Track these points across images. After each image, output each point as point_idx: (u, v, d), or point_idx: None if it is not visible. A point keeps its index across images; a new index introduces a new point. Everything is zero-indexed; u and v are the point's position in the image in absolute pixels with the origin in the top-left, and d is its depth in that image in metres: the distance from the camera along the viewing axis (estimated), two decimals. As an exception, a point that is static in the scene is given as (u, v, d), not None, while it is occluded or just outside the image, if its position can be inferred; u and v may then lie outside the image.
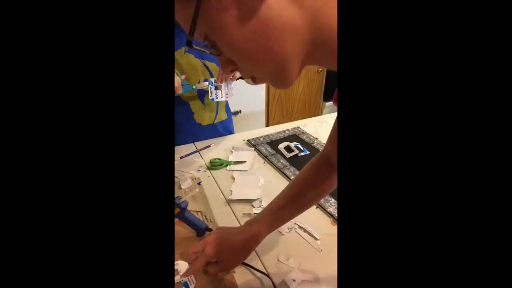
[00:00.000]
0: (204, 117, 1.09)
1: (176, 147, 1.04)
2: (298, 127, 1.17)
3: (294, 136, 1.10)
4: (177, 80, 0.93)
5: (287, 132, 1.14)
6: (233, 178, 0.88)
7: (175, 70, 0.96)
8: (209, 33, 0.31)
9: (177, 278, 0.57)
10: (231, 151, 1.02)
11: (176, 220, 0.66)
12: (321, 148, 1.02)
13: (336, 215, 0.73)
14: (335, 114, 1.34)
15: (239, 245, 0.55)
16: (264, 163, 0.96)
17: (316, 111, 2.48)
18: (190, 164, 0.95)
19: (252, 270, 0.60)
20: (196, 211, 0.75)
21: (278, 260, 0.62)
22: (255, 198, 0.79)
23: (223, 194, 0.82)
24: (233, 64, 0.34)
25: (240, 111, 1.93)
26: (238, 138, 1.12)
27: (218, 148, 1.05)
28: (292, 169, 0.91)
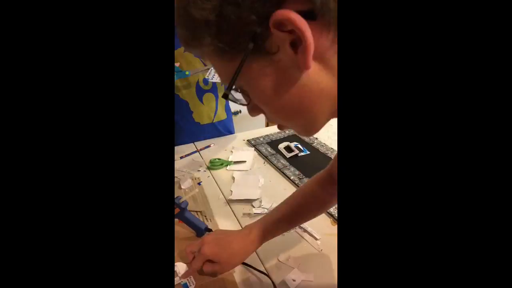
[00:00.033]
0: (203, 116, 1.09)
1: (176, 147, 1.04)
2: (298, 127, 1.17)
3: (294, 136, 1.10)
4: None
5: (287, 132, 1.14)
6: (233, 178, 0.88)
7: None
8: (244, 86, 0.32)
9: (176, 280, 0.57)
10: (231, 151, 1.02)
11: (176, 220, 0.66)
12: (321, 148, 1.02)
13: (336, 215, 0.73)
14: (335, 114, 1.33)
15: (238, 247, 0.55)
16: (264, 163, 0.96)
17: (316, 111, 2.47)
18: (190, 164, 0.95)
19: (252, 270, 0.60)
20: (196, 211, 0.75)
21: (278, 260, 0.62)
22: (255, 198, 0.79)
23: (223, 194, 0.82)
24: (262, 111, 0.35)
25: (240, 111, 1.93)
26: (238, 138, 1.12)
27: (218, 148, 1.05)
28: (292, 169, 0.91)
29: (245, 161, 0.95)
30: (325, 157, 0.97)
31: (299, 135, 0.41)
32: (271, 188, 0.83)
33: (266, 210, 0.75)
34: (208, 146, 1.05)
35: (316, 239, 0.67)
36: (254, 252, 0.63)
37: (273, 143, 1.06)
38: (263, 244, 0.65)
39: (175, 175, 0.88)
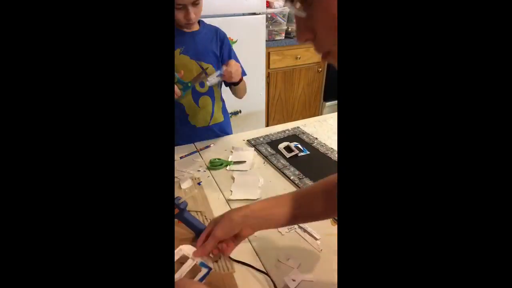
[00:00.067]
0: (198, 119, 1.09)
1: (176, 147, 1.04)
2: (298, 127, 1.17)
3: (294, 136, 1.10)
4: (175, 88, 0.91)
5: (287, 132, 1.14)
6: (233, 178, 0.88)
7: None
8: None
9: (189, 262, 0.55)
10: (231, 151, 1.02)
11: (175, 221, 0.66)
12: (321, 148, 1.02)
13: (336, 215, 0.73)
14: (335, 114, 1.33)
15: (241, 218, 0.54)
16: (264, 163, 0.96)
17: (316, 111, 2.48)
18: (190, 164, 0.95)
19: (252, 270, 0.60)
20: (196, 211, 0.75)
21: (278, 260, 0.62)
22: (255, 198, 0.79)
23: (223, 194, 0.82)
24: (312, 33, 0.33)
25: (240, 111, 1.93)
26: (238, 138, 1.12)
27: (218, 148, 1.05)
28: (292, 169, 0.91)
29: (245, 161, 0.95)
30: (325, 157, 0.97)
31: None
32: (271, 188, 0.83)
33: (266, 210, 0.75)
34: (208, 146, 1.05)
35: (316, 239, 0.67)
36: (254, 252, 0.63)
37: (273, 143, 1.06)
38: (263, 244, 0.65)
39: (175, 175, 0.88)
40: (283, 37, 2.07)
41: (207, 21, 1.10)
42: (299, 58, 2.16)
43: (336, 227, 0.70)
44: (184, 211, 0.64)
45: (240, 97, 1.15)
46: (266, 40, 1.93)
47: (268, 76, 2.10)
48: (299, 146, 1.03)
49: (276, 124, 1.33)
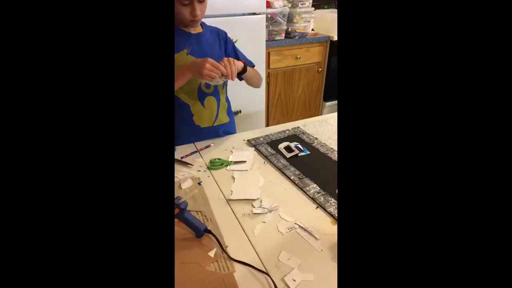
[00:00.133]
0: (203, 119, 1.09)
1: (176, 147, 1.04)
2: (298, 127, 1.17)
3: (294, 136, 1.10)
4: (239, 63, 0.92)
5: (287, 132, 1.14)
6: (233, 178, 0.88)
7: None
8: None
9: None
10: (231, 151, 1.02)
11: (175, 220, 0.66)
12: (321, 148, 1.02)
13: (336, 215, 0.73)
14: (335, 114, 1.33)
15: None
16: (264, 163, 0.96)
17: (316, 111, 2.48)
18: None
19: (253, 269, 0.60)
20: (196, 211, 0.75)
21: (279, 260, 0.62)
22: (255, 198, 0.79)
23: (223, 194, 0.82)
24: None
25: (240, 111, 1.93)
26: (238, 138, 1.12)
27: (218, 148, 1.05)
28: (292, 169, 0.91)
29: (245, 161, 0.95)
30: (325, 157, 0.97)
31: None
32: (271, 188, 0.84)
33: (266, 210, 0.75)
34: (208, 146, 1.05)
35: (316, 239, 0.67)
36: (254, 252, 0.63)
37: (273, 143, 1.06)
38: (263, 244, 0.65)
39: (175, 175, 0.88)
40: (283, 37, 2.07)
41: (207, 21, 1.10)
42: (299, 58, 2.16)
43: (336, 227, 0.70)
44: (184, 211, 0.64)
45: (256, 86, 1.16)
46: (266, 40, 1.93)
47: (268, 76, 2.10)
48: (299, 146, 1.03)
49: (276, 124, 1.33)
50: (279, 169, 0.91)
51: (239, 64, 0.98)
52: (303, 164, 0.93)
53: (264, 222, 0.72)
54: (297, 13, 2.08)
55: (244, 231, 0.70)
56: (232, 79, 0.95)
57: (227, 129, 1.16)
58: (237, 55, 1.14)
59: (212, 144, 1.06)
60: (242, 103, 1.89)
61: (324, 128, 1.17)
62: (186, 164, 0.94)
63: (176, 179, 0.87)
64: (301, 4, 2.09)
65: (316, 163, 0.94)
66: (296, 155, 0.98)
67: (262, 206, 0.77)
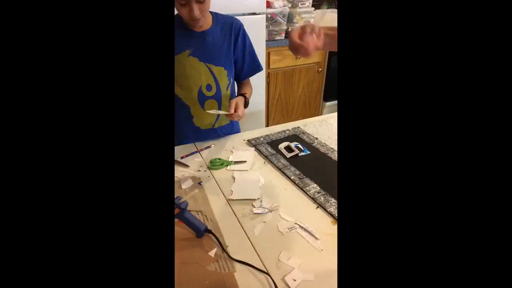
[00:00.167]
0: (203, 122, 1.08)
1: (176, 147, 1.04)
2: (298, 127, 1.17)
3: (294, 136, 1.10)
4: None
5: (287, 132, 1.14)
6: (233, 178, 0.88)
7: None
8: None
9: None
10: (231, 151, 1.02)
11: (176, 220, 0.66)
12: (321, 148, 1.02)
13: (336, 215, 0.73)
14: (335, 114, 1.33)
15: None
16: (264, 163, 0.96)
17: (316, 111, 2.48)
18: (190, 164, 0.95)
19: (253, 269, 0.60)
20: (196, 211, 0.75)
21: (279, 260, 0.62)
22: (255, 198, 0.79)
23: (223, 194, 0.82)
24: None
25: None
26: (238, 138, 1.12)
27: (218, 148, 1.05)
28: (293, 169, 0.91)
29: (245, 161, 0.95)
30: (325, 157, 0.97)
31: None
32: (271, 188, 0.84)
33: (266, 210, 0.75)
34: (209, 147, 1.05)
35: (316, 239, 0.67)
36: (255, 252, 0.64)
37: (273, 143, 1.06)
38: (263, 243, 0.65)
39: (175, 175, 0.88)
40: (283, 37, 2.08)
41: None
42: (299, 58, 2.16)
43: (336, 227, 0.70)
44: (185, 211, 0.64)
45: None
46: (266, 40, 1.93)
47: (268, 76, 2.10)
48: (300, 146, 1.03)
49: (276, 124, 1.33)
50: (279, 169, 0.91)
51: (241, 109, 0.95)
52: (303, 164, 0.93)
53: (264, 222, 0.72)
54: (297, 13, 2.08)
55: (244, 231, 0.70)
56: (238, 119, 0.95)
57: (227, 131, 1.15)
58: (244, 55, 1.07)
59: (213, 145, 1.06)
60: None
61: (324, 128, 1.17)
62: (182, 164, 0.94)
63: (176, 179, 0.87)
64: (301, 4, 2.09)
65: (316, 163, 0.94)
66: (296, 155, 0.98)
67: (262, 206, 0.77)
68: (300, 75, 2.24)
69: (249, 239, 0.67)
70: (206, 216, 0.74)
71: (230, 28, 1.02)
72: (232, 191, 0.82)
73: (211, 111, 0.94)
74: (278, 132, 1.14)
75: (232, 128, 1.17)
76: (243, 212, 0.75)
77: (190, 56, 0.98)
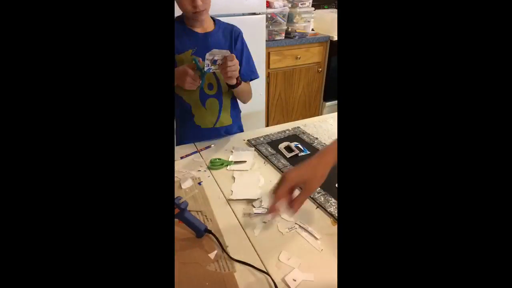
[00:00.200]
0: (204, 120, 1.08)
1: (176, 147, 1.04)
2: (298, 127, 1.17)
3: (294, 136, 1.10)
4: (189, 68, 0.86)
5: (287, 132, 1.14)
6: (233, 178, 0.88)
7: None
8: None
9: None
10: (231, 151, 1.02)
11: (175, 220, 0.66)
12: (321, 148, 1.02)
13: (336, 215, 0.73)
14: (335, 114, 1.33)
15: (319, 164, 0.61)
16: (264, 163, 0.96)
17: (316, 111, 2.48)
18: (190, 164, 0.95)
19: (253, 269, 0.60)
20: (196, 211, 0.75)
21: (279, 260, 0.62)
22: (255, 198, 0.79)
23: (223, 194, 0.82)
24: None
25: (240, 111, 1.93)
26: (238, 138, 1.12)
27: (218, 148, 1.05)
28: (292, 169, 0.91)
29: (245, 161, 0.95)
30: (325, 157, 0.97)
31: None
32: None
33: (266, 210, 0.75)
34: (209, 147, 1.05)
35: (316, 239, 0.67)
36: (255, 252, 0.64)
37: (273, 143, 1.06)
38: (263, 244, 0.65)
39: (175, 175, 0.88)
40: (283, 37, 2.08)
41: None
42: (299, 58, 2.16)
43: (336, 227, 0.70)
44: (185, 211, 0.64)
45: (242, 101, 1.14)
46: (266, 40, 1.93)
47: (268, 76, 2.10)
48: (300, 146, 1.03)
49: (276, 124, 1.33)
50: (279, 169, 0.91)
51: (235, 70, 0.91)
52: (303, 164, 0.93)
53: (264, 222, 0.72)
54: (297, 13, 2.08)
55: (244, 231, 0.70)
56: (224, 75, 0.91)
57: (228, 131, 1.15)
58: (241, 60, 1.08)
59: (213, 145, 1.06)
60: (242, 103, 1.89)
61: (324, 128, 1.17)
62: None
63: (176, 179, 0.87)
64: (301, 4, 2.09)
65: (316, 163, 0.94)
66: (296, 155, 0.98)
67: (262, 206, 0.77)
68: (300, 75, 2.24)
69: (249, 239, 0.67)
70: (206, 216, 0.74)
71: (230, 33, 1.05)
72: (232, 191, 0.82)
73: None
74: (278, 132, 1.14)
75: (232, 128, 1.16)
76: (243, 212, 0.75)
77: (193, 55, 0.98)
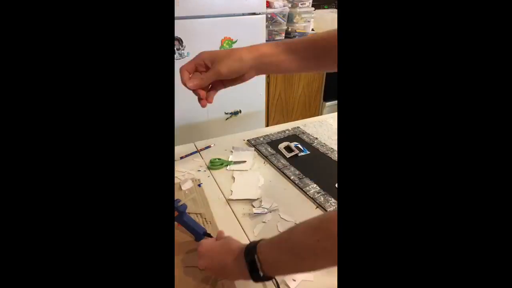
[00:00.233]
0: None
1: (176, 147, 1.04)
2: (298, 127, 1.17)
3: (294, 136, 1.10)
4: None
5: (287, 132, 1.14)
6: (233, 178, 0.88)
7: None
8: None
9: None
10: (231, 151, 1.02)
11: (175, 223, 0.66)
12: (321, 148, 1.01)
13: (336, 215, 0.72)
14: (335, 114, 1.33)
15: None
16: (264, 163, 0.96)
17: (316, 111, 2.48)
18: (190, 165, 0.95)
19: (252, 270, 0.59)
20: (196, 213, 0.75)
21: (278, 260, 0.62)
22: (255, 198, 0.79)
23: (223, 194, 0.82)
24: None
25: (240, 111, 1.93)
26: (238, 138, 1.12)
27: (218, 148, 1.05)
28: (292, 169, 0.91)
29: (245, 161, 0.95)
30: (325, 157, 0.97)
31: None
32: (271, 188, 0.83)
33: (266, 210, 0.75)
34: (209, 147, 1.05)
35: (316, 239, 0.67)
36: (254, 252, 0.63)
37: (273, 143, 1.06)
38: (263, 244, 0.65)
39: (175, 176, 0.88)
40: (283, 37, 2.07)
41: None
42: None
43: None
44: (184, 214, 0.64)
45: None
46: (266, 40, 1.93)
47: (268, 76, 2.10)
48: (299, 146, 1.03)
49: (276, 124, 1.33)
50: (279, 169, 0.91)
51: None
52: (303, 164, 0.93)
53: (264, 222, 0.72)
54: (297, 13, 2.08)
55: (244, 231, 0.70)
56: None
57: None
58: None
59: (213, 145, 1.06)
60: (242, 103, 1.89)
61: (324, 128, 1.17)
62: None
63: (176, 180, 0.87)
64: (301, 4, 2.09)
65: (316, 163, 0.94)
66: (296, 155, 0.98)
67: (262, 206, 0.76)
68: (300, 75, 2.24)
69: (248, 239, 0.67)
70: (205, 218, 0.74)
71: None
72: (232, 191, 0.82)
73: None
74: (278, 132, 1.14)
75: None
76: (243, 212, 0.75)
77: None
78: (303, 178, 0.87)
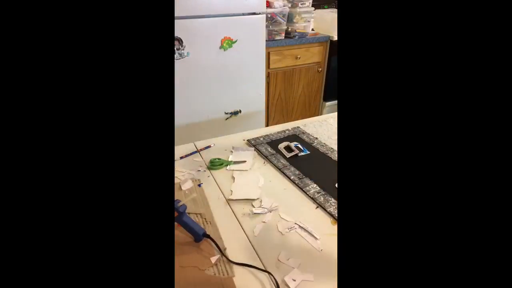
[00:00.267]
0: None
1: (176, 147, 1.04)
2: (298, 127, 1.17)
3: (294, 136, 1.10)
4: None
5: (287, 132, 1.14)
6: (233, 178, 0.88)
7: None
8: None
9: None
10: (231, 151, 1.02)
11: (175, 224, 0.66)
12: (321, 148, 1.01)
13: (336, 215, 0.73)
14: (335, 114, 1.33)
15: None
16: (264, 163, 0.96)
17: (316, 111, 2.48)
18: (190, 164, 0.95)
19: (252, 272, 0.60)
20: (196, 213, 0.75)
21: (278, 260, 0.62)
22: (255, 198, 0.79)
23: (223, 194, 0.82)
24: None
25: (240, 111, 1.93)
26: (238, 138, 1.12)
27: (218, 148, 1.05)
28: (292, 169, 0.91)
29: (245, 161, 0.95)
30: (325, 157, 0.97)
31: None
32: (271, 188, 0.83)
33: (266, 210, 0.75)
34: (208, 147, 1.05)
35: (316, 239, 0.67)
36: (255, 252, 0.63)
37: (273, 143, 1.06)
38: (263, 244, 0.65)
39: (175, 176, 0.88)
40: (283, 37, 2.08)
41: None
42: (299, 58, 2.16)
43: (336, 227, 0.70)
44: (183, 214, 0.64)
45: None
46: (266, 40, 1.93)
47: (268, 76, 2.10)
48: (299, 146, 1.03)
49: (276, 124, 1.33)
50: (279, 169, 0.91)
51: None
52: (303, 164, 0.93)
53: (264, 222, 0.72)
54: (297, 13, 2.08)
55: (244, 231, 0.70)
56: None
57: None
58: None
59: (213, 145, 1.06)
60: (242, 103, 1.90)
61: (324, 128, 1.17)
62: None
63: (176, 180, 0.87)
64: (301, 4, 2.09)
65: (316, 163, 0.94)
66: (296, 155, 0.98)
67: (262, 206, 0.76)
68: (300, 75, 2.24)
69: (248, 239, 0.67)
70: (205, 219, 0.74)
71: None
72: (232, 191, 0.82)
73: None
74: (278, 132, 1.14)
75: None
76: (243, 212, 0.75)
77: None
78: (303, 178, 0.87)
